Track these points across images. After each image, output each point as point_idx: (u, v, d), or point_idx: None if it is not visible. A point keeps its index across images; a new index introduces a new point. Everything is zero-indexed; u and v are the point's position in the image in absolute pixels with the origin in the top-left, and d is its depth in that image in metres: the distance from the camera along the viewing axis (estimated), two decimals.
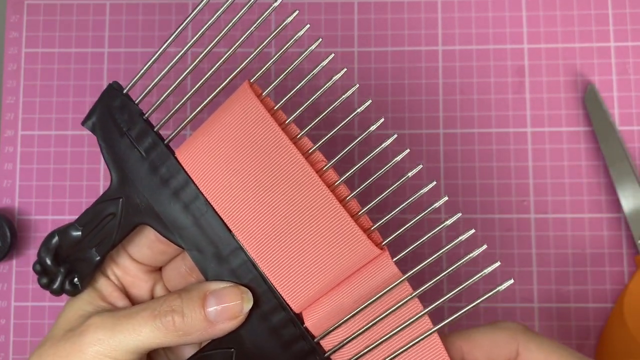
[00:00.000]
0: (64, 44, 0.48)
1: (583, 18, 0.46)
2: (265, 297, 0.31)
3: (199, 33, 0.32)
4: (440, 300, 0.30)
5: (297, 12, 0.30)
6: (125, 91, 0.33)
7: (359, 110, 0.30)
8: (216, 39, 0.32)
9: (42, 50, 0.48)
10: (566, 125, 0.45)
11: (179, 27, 0.32)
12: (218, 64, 0.32)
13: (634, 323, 0.41)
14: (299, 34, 0.30)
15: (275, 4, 0.30)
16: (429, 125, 0.46)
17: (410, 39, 0.47)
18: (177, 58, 0.32)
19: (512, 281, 0.29)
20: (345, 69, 0.30)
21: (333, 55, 0.30)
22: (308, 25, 0.30)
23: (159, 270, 0.36)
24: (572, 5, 0.46)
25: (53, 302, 0.45)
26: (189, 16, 0.32)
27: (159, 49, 0.33)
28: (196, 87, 0.32)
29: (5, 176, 0.47)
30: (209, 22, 0.31)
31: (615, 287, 0.44)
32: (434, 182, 0.29)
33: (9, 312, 0.45)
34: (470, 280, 0.29)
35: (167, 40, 0.32)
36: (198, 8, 0.32)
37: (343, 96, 0.30)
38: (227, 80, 0.32)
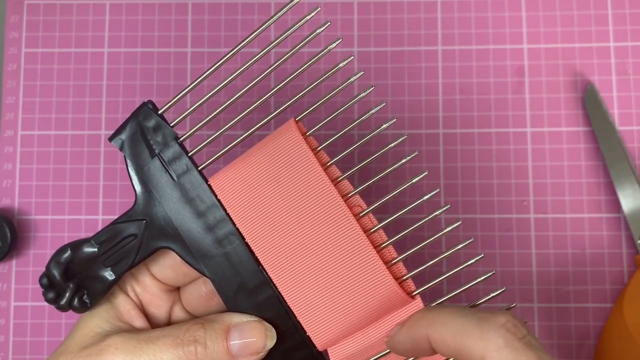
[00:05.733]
0: (63, 44, 0.48)
1: (583, 18, 0.46)
2: (289, 333, 0.31)
3: (260, 54, 0.31)
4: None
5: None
6: (160, 112, 0.32)
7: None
8: (261, 75, 0.31)
9: (42, 50, 0.48)
10: (566, 125, 0.45)
11: (225, 55, 0.31)
12: (265, 97, 0.31)
13: (634, 323, 0.41)
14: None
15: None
16: (428, 125, 0.46)
17: (410, 39, 0.47)
18: (217, 89, 0.31)
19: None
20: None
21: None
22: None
23: (177, 290, 0.35)
24: (571, 6, 0.46)
25: None
26: (237, 46, 0.31)
27: (203, 74, 0.32)
28: (234, 121, 0.32)
29: (5, 176, 0.47)
30: (275, 42, 0.31)
31: (614, 287, 0.44)
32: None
33: (8, 312, 0.45)
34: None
35: (210, 68, 0.32)
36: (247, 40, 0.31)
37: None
38: (272, 114, 0.31)
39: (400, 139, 0.30)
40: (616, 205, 0.44)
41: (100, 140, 0.47)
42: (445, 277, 0.30)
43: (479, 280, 0.29)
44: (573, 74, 0.46)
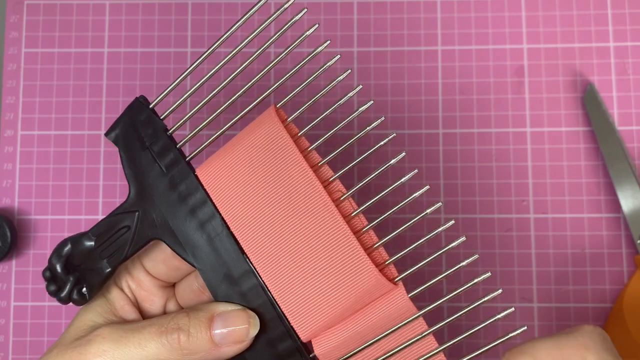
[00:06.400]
0: (63, 44, 0.48)
1: (582, 18, 0.46)
2: (273, 323, 0.31)
3: (232, 53, 0.32)
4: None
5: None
6: (151, 106, 0.33)
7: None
8: (249, 59, 0.31)
9: (42, 50, 0.48)
10: (565, 125, 0.45)
11: (213, 45, 0.32)
12: (250, 84, 0.32)
13: (634, 323, 0.41)
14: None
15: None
16: (428, 125, 0.46)
17: (410, 39, 0.47)
18: (207, 76, 0.32)
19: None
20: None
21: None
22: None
23: (172, 286, 0.36)
24: (571, 6, 0.46)
25: (52, 302, 0.45)
26: (223, 36, 0.32)
27: (190, 65, 0.32)
28: (223, 107, 0.32)
29: (5, 176, 0.47)
30: (245, 42, 0.31)
31: (614, 287, 0.44)
32: (452, 222, 0.29)
33: (8, 312, 0.45)
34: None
35: (198, 58, 0.32)
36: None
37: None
38: (256, 101, 0.31)
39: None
40: (616, 205, 0.44)
41: (100, 140, 0.47)
42: (427, 262, 0.30)
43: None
44: (573, 74, 0.46)
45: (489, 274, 0.29)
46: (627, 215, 0.43)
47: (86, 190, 0.46)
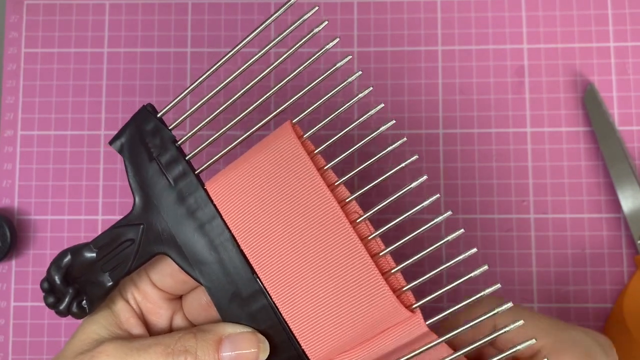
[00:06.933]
0: (63, 44, 0.48)
1: (582, 18, 0.46)
2: (283, 346, 0.30)
3: (245, 66, 0.31)
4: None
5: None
6: (159, 115, 0.32)
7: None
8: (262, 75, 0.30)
9: (42, 50, 0.48)
10: (566, 125, 0.45)
11: (224, 57, 0.31)
12: (264, 97, 0.31)
13: (634, 323, 0.41)
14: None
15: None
16: (428, 126, 0.46)
17: (410, 39, 0.47)
18: (216, 90, 0.31)
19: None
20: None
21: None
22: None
23: (179, 298, 0.35)
24: (571, 6, 0.46)
25: None
26: (235, 47, 0.31)
27: (201, 76, 0.31)
28: (233, 122, 0.31)
29: (4, 176, 0.46)
30: (256, 57, 0.30)
31: (614, 288, 0.44)
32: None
33: (8, 312, 0.45)
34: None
35: (209, 69, 0.31)
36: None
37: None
38: (271, 115, 0.31)
39: (399, 141, 0.29)
40: (616, 205, 0.44)
41: (99, 140, 0.47)
42: (446, 290, 0.29)
43: (482, 294, 0.28)
44: (573, 74, 0.46)
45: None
46: (628, 215, 0.43)
47: (86, 191, 0.46)
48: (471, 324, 0.29)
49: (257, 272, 0.30)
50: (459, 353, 0.29)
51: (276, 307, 0.30)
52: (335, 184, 0.30)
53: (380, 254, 0.29)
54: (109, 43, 0.48)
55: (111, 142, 0.32)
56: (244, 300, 0.30)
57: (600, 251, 0.44)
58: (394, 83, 0.46)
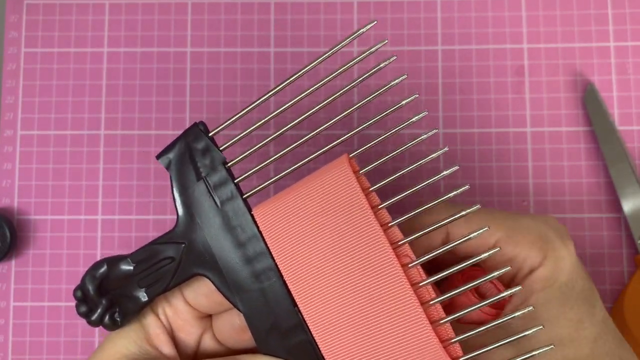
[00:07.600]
0: (63, 44, 0.48)
1: (583, 18, 0.46)
2: None
3: (313, 88, 0.30)
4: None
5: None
6: (211, 134, 0.31)
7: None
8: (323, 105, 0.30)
9: (41, 50, 0.48)
10: (566, 125, 0.45)
11: (290, 77, 0.30)
12: (316, 131, 0.30)
13: (634, 323, 0.41)
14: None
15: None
16: (428, 125, 0.46)
17: (410, 38, 0.47)
18: (272, 115, 0.30)
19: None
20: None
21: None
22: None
23: (209, 317, 0.34)
24: (571, 5, 0.46)
25: (52, 302, 0.45)
26: (301, 70, 0.30)
27: (257, 99, 0.31)
28: (283, 152, 0.30)
29: (4, 176, 0.46)
30: (310, 90, 0.30)
31: (615, 287, 0.44)
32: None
33: (8, 312, 0.45)
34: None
35: (267, 93, 0.31)
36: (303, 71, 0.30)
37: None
38: (324, 149, 0.30)
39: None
40: (616, 205, 0.44)
41: (99, 140, 0.46)
42: (497, 346, 0.27)
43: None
44: (573, 74, 0.46)
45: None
46: (628, 215, 0.43)
47: (86, 191, 0.46)
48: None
49: (299, 305, 0.29)
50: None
51: (316, 343, 0.29)
52: (389, 225, 0.29)
53: (431, 302, 0.28)
54: (108, 43, 0.48)
55: (158, 157, 0.31)
56: (283, 333, 0.30)
57: (600, 251, 0.44)
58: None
